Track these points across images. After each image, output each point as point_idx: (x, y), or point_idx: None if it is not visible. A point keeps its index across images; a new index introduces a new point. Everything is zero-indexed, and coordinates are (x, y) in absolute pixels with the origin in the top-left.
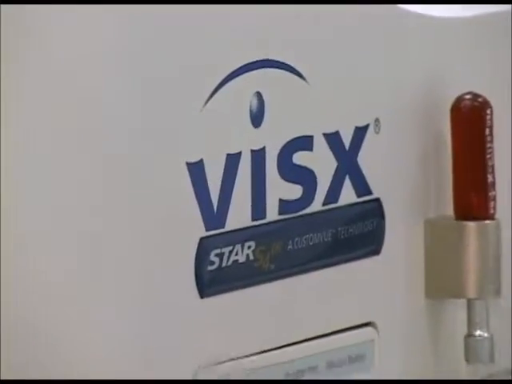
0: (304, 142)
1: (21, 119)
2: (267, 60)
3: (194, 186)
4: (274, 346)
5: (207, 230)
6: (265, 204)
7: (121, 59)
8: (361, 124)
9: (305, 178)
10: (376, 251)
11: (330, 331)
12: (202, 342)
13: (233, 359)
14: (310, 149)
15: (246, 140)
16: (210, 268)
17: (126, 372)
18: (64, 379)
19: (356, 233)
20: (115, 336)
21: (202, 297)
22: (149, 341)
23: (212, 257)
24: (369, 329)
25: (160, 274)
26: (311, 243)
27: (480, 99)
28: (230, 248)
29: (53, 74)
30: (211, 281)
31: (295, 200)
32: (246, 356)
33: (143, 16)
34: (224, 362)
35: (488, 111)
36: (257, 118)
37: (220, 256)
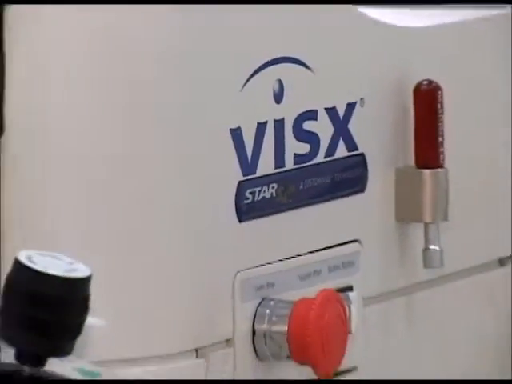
0: (311, 114)
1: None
2: (286, 57)
3: (234, 145)
4: (290, 255)
5: (244, 175)
6: (284, 157)
7: (179, 52)
8: (351, 101)
9: (311, 139)
10: (361, 190)
11: (329, 245)
12: (241, 253)
13: (262, 265)
14: (316, 119)
15: (270, 113)
16: (246, 202)
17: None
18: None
19: (347, 177)
20: (177, 250)
21: (240, 221)
22: (203, 252)
23: (247, 194)
24: (356, 244)
25: (212, 207)
26: (316, 184)
27: (433, 84)
28: (259, 188)
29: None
30: (246, 211)
31: (304, 154)
32: (269, 263)
33: (197, 17)
34: (256, 266)
35: (439, 92)
36: (278, 97)
37: (252, 193)
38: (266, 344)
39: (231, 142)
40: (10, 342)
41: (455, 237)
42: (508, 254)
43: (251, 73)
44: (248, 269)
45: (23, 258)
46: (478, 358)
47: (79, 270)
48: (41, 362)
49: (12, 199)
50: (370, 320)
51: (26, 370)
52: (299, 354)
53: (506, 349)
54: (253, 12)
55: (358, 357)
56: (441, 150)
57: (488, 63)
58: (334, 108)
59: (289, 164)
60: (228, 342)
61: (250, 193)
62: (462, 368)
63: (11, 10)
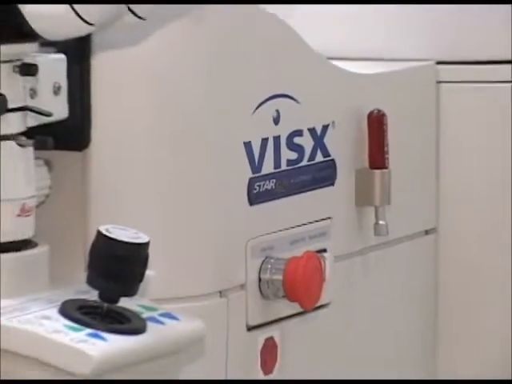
0: (298, 133)
1: None
2: (282, 94)
3: (247, 154)
4: (284, 228)
5: (253, 173)
6: (280, 161)
7: (216, 91)
8: (325, 123)
9: (298, 149)
10: (332, 184)
11: (310, 221)
12: (251, 226)
13: (266, 234)
14: (301, 135)
15: (271, 131)
16: (254, 192)
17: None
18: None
19: (323, 175)
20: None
21: (250, 205)
22: (227, 225)
23: (255, 186)
24: (328, 220)
25: (232, 194)
26: (301, 180)
27: (381, 112)
28: (263, 182)
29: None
30: (254, 198)
31: (294, 159)
32: (270, 233)
33: (225, 67)
34: (261, 235)
35: (384, 117)
36: (276, 121)
37: (259, 186)
38: (268, 287)
39: (244, 151)
40: (95, 286)
41: (395, 215)
42: (432, 226)
43: (259, 103)
44: (256, 237)
45: (103, 230)
46: (409, 296)
47: (141, 238)
48: (115, 300)
49: (96, 193)
50: (338, 271)
51: (105, 305)
52: (291, 294)
53: (431, 294)
54: (261, 64)
55: (330, 296)
56: (386, 156)
57: (413, 97)
58: (313, 128)
59: (283, 166)
60: (242, 286)
61: (257, 185)
62: (399, 303)
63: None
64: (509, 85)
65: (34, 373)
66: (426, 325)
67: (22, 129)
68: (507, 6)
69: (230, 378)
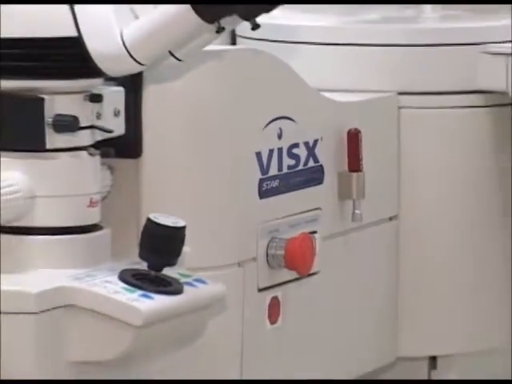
0: (296, 145)
1: None
2: (284, 116)
3: (257, 161)
4: (285, 215)
5: (262, 175)
6: (282, 166)
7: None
8: (316, 138)
9: (296, 157)
10: (321, 183)
11: (305, 210)
12: (261, 214)
13: (271, 220)
14: (298, 147)
15: (275, 144)
16: (263, 189)
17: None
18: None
19: (314, 176)
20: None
21: (260, 199)
22: (243, 213)
23: (264, 185)
24: (318, 210)
25: (247, 191)
26: (298, 180)
27: (357, 129)
28: (270, 182)
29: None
30: (263, 193)
31: (292, 165)
32: (274, 220)
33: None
34: (268, 221)
35: (360, 134)
36: (279, 136)
37: (266, 184)
38: (273, 260)
39: (256, 158)
40: (145, 259)
41: (368, 206)
42: (394, 214)
43: (267, 123)
44: (264, 222)
45: (152, 217)
46: (376, 269)
47: (179, 223)
48: (160, 269)
49: (146, 190)
50: (325, 248)
51: (153, 273)
52: (290, 265)
53: (394, 269)
54: (269, 95)
55: (319, 266)
56: (361, 162)
57: (381, 119)
58: (307, 142)
59: (285, 169)
60: (254, 258)
61: (265, 184)
62: (368, 273)
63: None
64: (455, 110)
65: (100, 325)
66: (389, 297)
67: (91, 142)
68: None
69: (245, 327)
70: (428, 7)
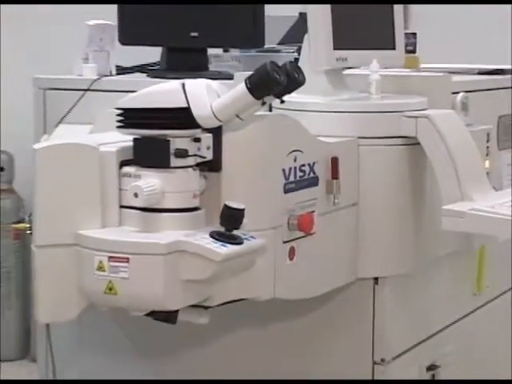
0: (303, 165)
1: None
2: (296, 150)
3: (283, 174)
4: (298, 202)
5: (285, 181)
6: (296, 176)
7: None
8: (313, 162)
9: (303, 171)
10: (317, 185)
11: (306, 199)
12: (284, 204)
13: (291, 205)
14: (305, 166)
15: (292, 164)
16: (286, 188)
17: None
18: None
19: (313, 182)
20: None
21: (284, 193)
22: (273, 203)
23: (286, 186)
24: (315, 199)
25: (277, 189)
26: (304, 184)
27: (336, 157)
28: (289, 184)
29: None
30: (286, 191)
31: (301, 176)
32: (292, 205)
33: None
34: (289, 206)
35: (338, 160)
36: (295, 160)
37: (287, 186)
38: (291, 226)
39: (282, 172)
40: (223, 226)
41: (342, 196)
42: (356, 201)
43: (288, 153)
44: (287, 206)
45: (227, 203)
46: (346, 228)
47: (241, 206)
48: (231, 231)
49: (224, 190)
50: (319, 221)
51: (227, 233)
52: (301, 228)
53: (355, 227)
54: (289, 138)
55: (315, 229)
56: (338, 175)
57: (348, 151)
58: (309, 164)
59: (297, 178)
60: (281, 225)
61: (287, 186)
62: (343, 233)
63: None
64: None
65: (199, 260)
66: (352, 240)
67: (194, 163)
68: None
69: (276, 262)
70: (374, 89)
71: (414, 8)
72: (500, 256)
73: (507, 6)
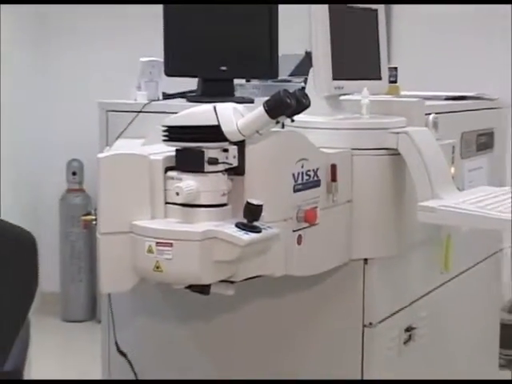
0: (309, 170)
1: None
2: (303, 158)
3: (293, 177)
4: (304, 199)
5: (294, 183)
6: (303, 179)
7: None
8: (317, 167)
9: (308, 175)
10: (319, 186)
11: (313, 198)
12: (293, 200)
13: (299, 202)
14: (310, 171)
15: (300, 170)
16: (295, 189)
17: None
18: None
19: (315, 184)
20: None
21: (293, 193)
22: (286, 198)
23: (295, 187)
24: (318, 197)
25: (287, 189)
26: (309, 185)
27: (335, 164)
28: (298, 186)
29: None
30: (295, 191)
31: (307, 179)
32: (300, 202)
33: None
34: (297, 202)
35: (336, 166)
36: (302, 167)
37: (296, 187)
38: (299, 218)
39: (292, 177)
40: (246, 218)
41: (339, 194)
42: (350, 199)
43: (296, 161)
44: (295, 202)
45: (248, 200)
46: (344, 218)
47: (260, 203)
48: (252, 222)
49: (247, 191)
50: (321, 214)
51: (249, 224)
52: (306, 220)
53: (349, 218)
54: (297, 151)
55: (318, 221)
56: (336, 177)
57: (343, 160)
58: (313, 169)
59: (304, 181)
60: (291, 218)
61: (295, 187)
62: (343, 223)
63: None
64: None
65: (223, 245)
66: (346, 227)
67: (223, 169)
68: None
69: (286, 246)
70: (365, 111)
71: (396, 44)
72: (462, 242)
73: (472, 42)
